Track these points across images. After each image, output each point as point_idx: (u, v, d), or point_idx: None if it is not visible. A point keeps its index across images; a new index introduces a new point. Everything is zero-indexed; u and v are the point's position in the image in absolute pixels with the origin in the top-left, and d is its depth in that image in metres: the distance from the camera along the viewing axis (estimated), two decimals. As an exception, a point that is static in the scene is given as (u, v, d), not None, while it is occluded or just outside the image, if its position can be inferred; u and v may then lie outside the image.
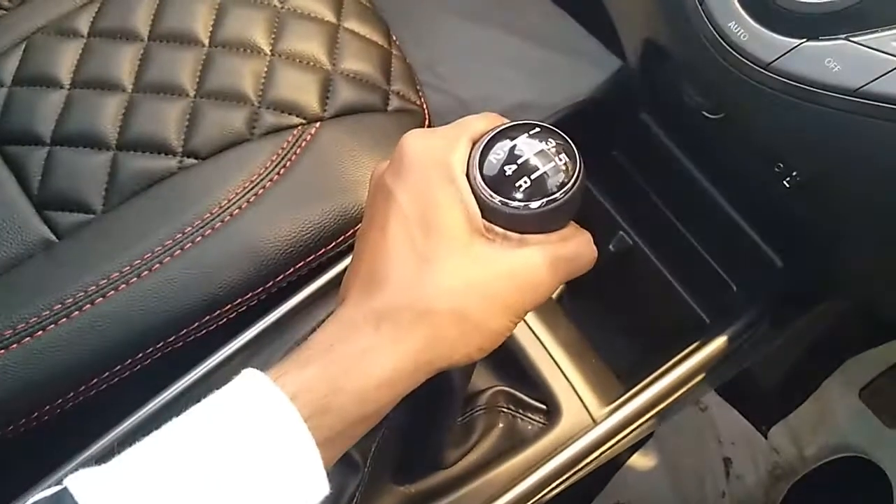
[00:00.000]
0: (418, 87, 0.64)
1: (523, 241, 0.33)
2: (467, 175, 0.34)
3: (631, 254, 0.62)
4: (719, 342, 0.53)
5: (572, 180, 0.34)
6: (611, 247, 0.62)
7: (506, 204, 0.33)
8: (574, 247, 0.35)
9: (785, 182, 0.48)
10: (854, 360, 0.99)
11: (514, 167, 0.33)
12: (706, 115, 0.49)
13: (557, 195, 0.33)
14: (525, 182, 0.33)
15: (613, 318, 0.62)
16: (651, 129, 0.59)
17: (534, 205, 0.33)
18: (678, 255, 0.61)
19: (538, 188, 0.33)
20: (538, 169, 0.33)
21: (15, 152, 0.55)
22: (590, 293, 0.63)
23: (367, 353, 0.31)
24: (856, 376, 0.99)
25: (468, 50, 1.01)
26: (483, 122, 0.35)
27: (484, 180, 0.33)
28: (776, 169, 0.48)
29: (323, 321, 0.49)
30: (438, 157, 0.33)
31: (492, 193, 0.33)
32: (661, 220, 0.61)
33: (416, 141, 0.34)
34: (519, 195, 0.33)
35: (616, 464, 0.99)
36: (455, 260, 0.32)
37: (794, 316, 0.61)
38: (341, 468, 0.47)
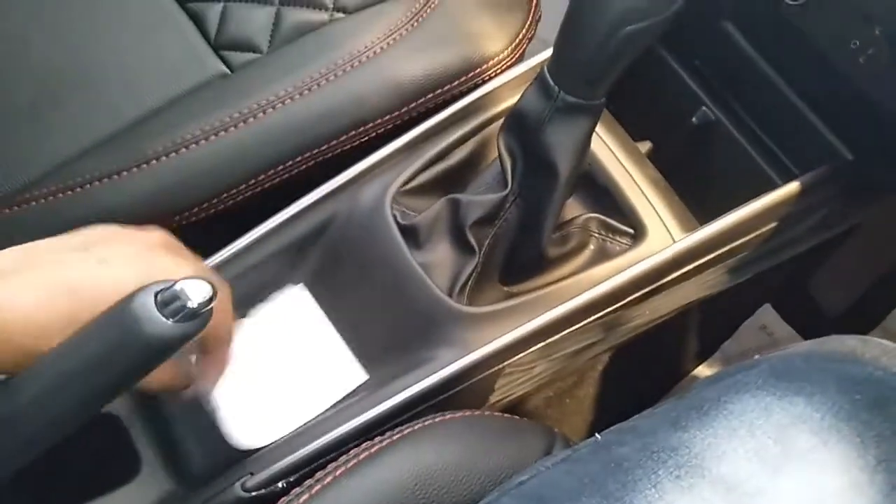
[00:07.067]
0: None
1: None
2: None
3: (712, 128, 0.69)
4: (790, 188, 0.60)
5: None
6: (694, 119, 0.70)
7: None
8: None
9: (860, 59, 0.55)
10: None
11: None
12: (789, 2, 0.56)
13: None
14: None
15: (693, 180, 0.69)
16: (731, 36, 0.65)
17: None
18: (754, 131, 0.67)
19: None
20: None
21: (195, 8, 0.66)
22: (673, 159, 0.71)
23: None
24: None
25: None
26: None
27: None
28: (852, 46, 0.55)
29: (451, 143, 0.58)
30: None
31: None
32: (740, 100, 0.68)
33: None
34: None
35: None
36: None
37: (863, 203, 0.67)
38: (462, 253, 0.57)
